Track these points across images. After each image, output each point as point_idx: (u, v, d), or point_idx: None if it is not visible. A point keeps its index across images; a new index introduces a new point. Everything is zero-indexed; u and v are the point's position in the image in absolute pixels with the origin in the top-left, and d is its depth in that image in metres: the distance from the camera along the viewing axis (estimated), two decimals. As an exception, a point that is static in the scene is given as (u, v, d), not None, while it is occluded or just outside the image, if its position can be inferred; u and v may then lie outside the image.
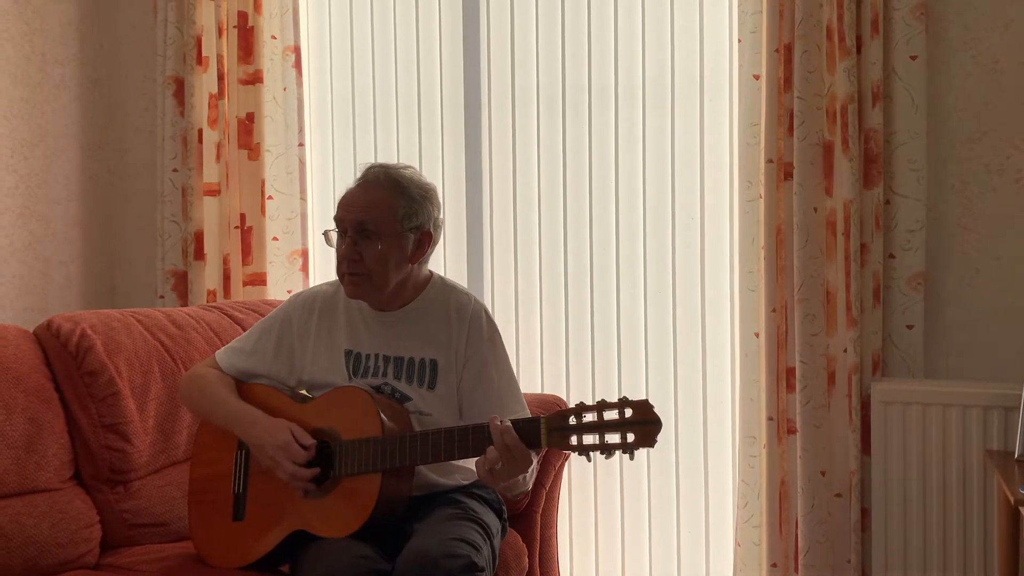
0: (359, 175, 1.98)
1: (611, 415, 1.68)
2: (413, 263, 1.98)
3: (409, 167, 2.00)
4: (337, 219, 1.95)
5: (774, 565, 2.52)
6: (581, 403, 1.72)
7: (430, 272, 2.06)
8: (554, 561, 2.49)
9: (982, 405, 2.32)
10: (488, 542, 1.88)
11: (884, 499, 2.39)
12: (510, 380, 2.02)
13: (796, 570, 2.51)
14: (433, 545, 1.74)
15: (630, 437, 1.67)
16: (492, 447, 1.71)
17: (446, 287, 2.04)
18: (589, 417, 1.69)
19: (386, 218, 1.91)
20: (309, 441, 1.85)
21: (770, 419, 2.51)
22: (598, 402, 1.70)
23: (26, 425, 2.03)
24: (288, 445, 1.84)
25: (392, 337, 1.99)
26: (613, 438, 1.68)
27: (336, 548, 1.77)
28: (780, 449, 2.52)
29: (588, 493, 2.82)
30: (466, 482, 2.02)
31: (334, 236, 1.96)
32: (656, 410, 1.68)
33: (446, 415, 1.95)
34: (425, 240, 1.98)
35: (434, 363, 1.97)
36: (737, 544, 2.59)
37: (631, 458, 1.68)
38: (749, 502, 2.56)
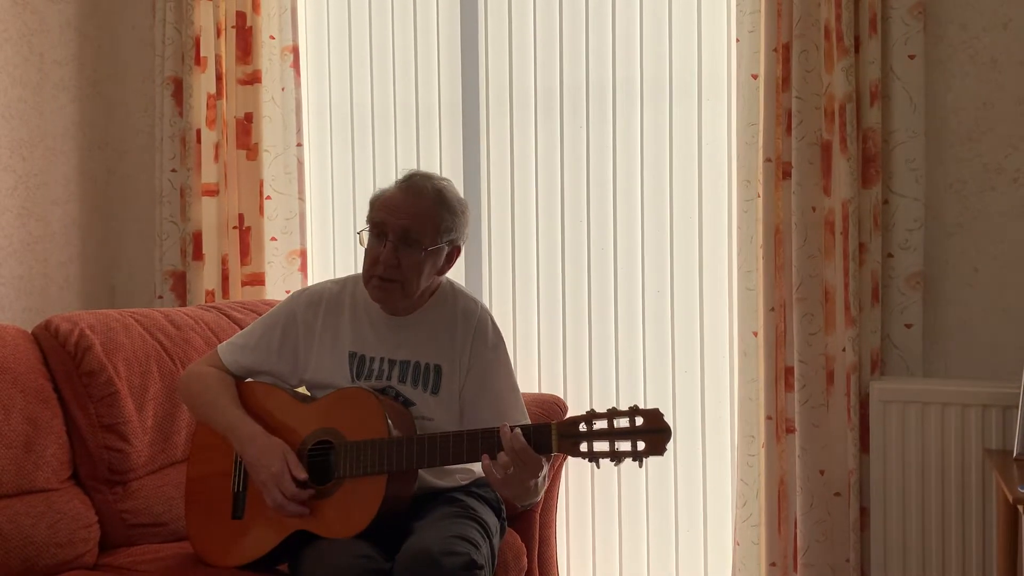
0: (401, 180, 1.96)
1: (622, 423, 1.70)
2: (441, 275, 1.99)
3: (447, 179, 2.01)
4: (377, 222, 1.93)
5: (773, 564, 2.52)
6: (592, 410, 1.73)
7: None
8: (553, 561, 2.49)
9: (980, 404, 2.32)
10: (487, 540, 1.88)
11: (883, 498, 2.39)
12: (512, 389, 2.02)
13: (795, 569, 2.51)
14: (434, 543, 1.74)
15: (640, 445, 1.68)
16: (503, 452, 1.72)
17: (454, 292, 2.04)
18: (600, 424, 1.71)
19: (431, 230, 1.91)
20: (302, 475, 1.83)
21: (769, 418, 2.51)
22: (609, 410, 1.72)
23: (24, 425, 2.03)
24: (281, 476, 1.82)
25: (398, 341, 1.98)
26: (623, 446, 1.69)
27: (337, 548, 1.77)
28: (779, 448, 2.52)
29: (586, 493, 2.82)
30: (465, 482, 2.02)
31: (366, 236, 1.95)
32: (666, 418, 1.69)
33: (448, 420, 1.95)
34: (455, 254, 2.00)
35: (438, 368, 1.97)
36: (736, 543, 2.59)
37: (640, 466, 1.70)
38: (748, 501, 2.57)
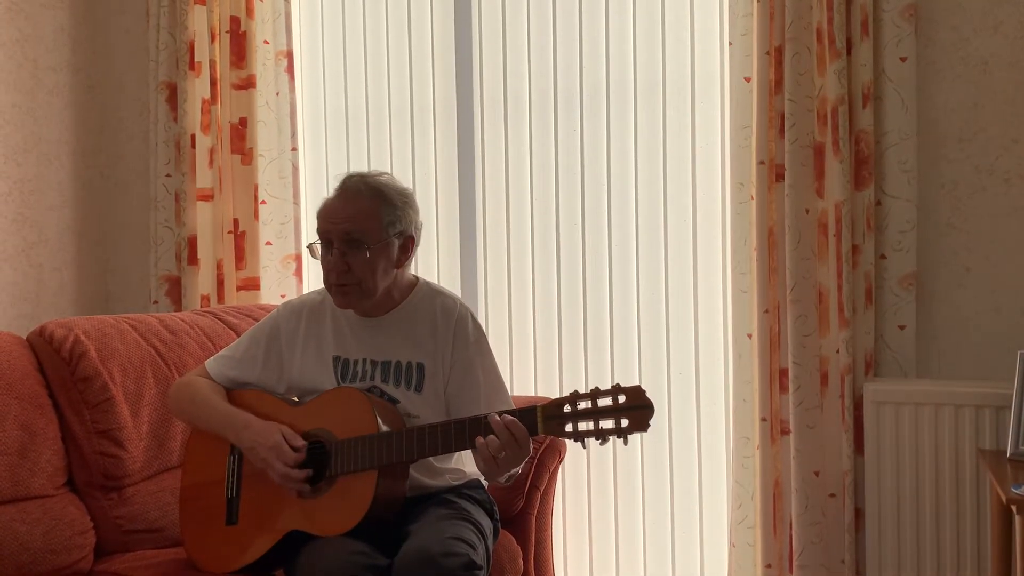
0: (336, 186, 1.99)
1: (605, 402, 1.71)
2: (398, 268, 2.00)
3: (384, 173, 2.02)
4: (321, 231, 1.95)
5: (768, 566, 2.53)
6: (575, 391, 1.75)
7: (415, 277, 2.08)
8: (549, 563, 2.49)
9: (974, 404, 2.32)
10: (483, 542, 1.90)
11: (878, 499, 2.40)
12: (496, 380, 2.04)
13: (791, 570, 2.51)
14: (433, 544, 1.76)
15: (624, 422, 1.70)
16: (494, 436, 1.74)
17: (432, 291, 2.06)
18: (584, 404, 1.72)
19: (372, 226, 1.92)
20: (299, 443, 1.87)
21: (763, 420, 2.52)
22: (592, 389, 1.74)
23: (19, 432, 2.03)
24: (279, 446, 1.86)
25: (379, 342, 2.00)
26: (607, 424, 1.71)
27: (332, 545, 1.78)
28: (774, 450, 2.53)
29: (582, 494, 2.82)
30: (456, 482, 2.03)
31: (318, 248, 1.97)
32: (648, 395, 1.70)
33: (433, 417, 1.96)
34: (409, 244, 2.00)
35: (420, 366, 1.99)
36: (732, 545, 2.59)
37: (625, 443, 1.71)
38: (743, 503, 2.57)
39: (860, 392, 2.44)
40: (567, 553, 2.84)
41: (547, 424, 1.74)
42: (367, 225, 1.92)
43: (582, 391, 1.74)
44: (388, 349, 1.99)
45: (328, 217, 1.95)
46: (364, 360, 2.00)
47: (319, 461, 1.88)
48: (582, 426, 1.72)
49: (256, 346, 2.06)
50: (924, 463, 2.37)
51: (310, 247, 1.98)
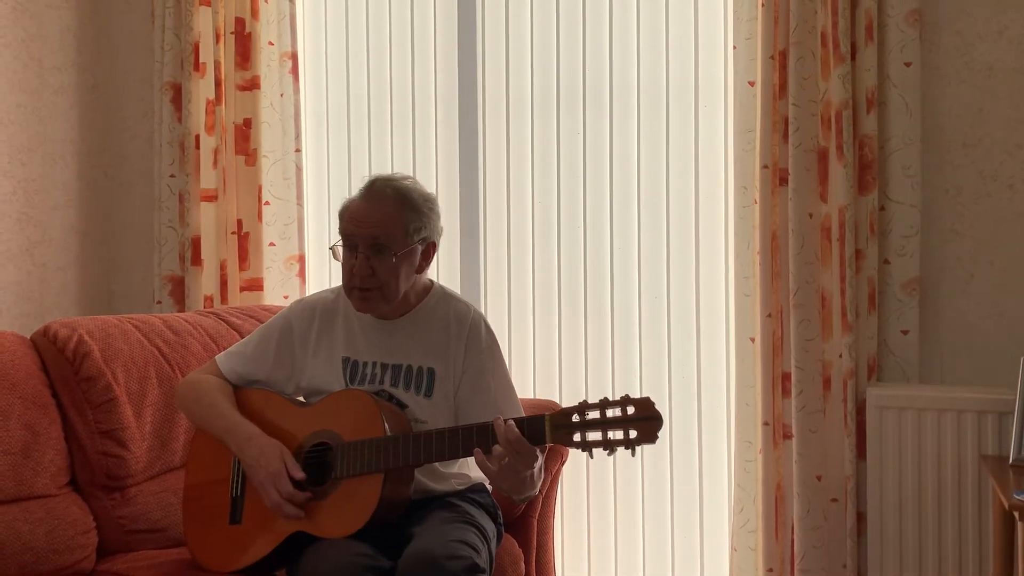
0: (362, 188, 1.98)
1: (614, 412, 1.72)
2: (420, 273, 2.00)
3: (409, 177, 2.01)
4: (346, 234, 1.94)
5: (770, 570, 2.53)
6: (584, 401, 1.75)
7: (430, 281, 2.08)
8: (551, 566, 2.49)
9: (977, 410, 2.33)
10: (486, 545, 1.90)
11: (880, 504, 2.40)
12: (507, 388, 2.03)
13: (792, 575, 2.51)
14: (437, 547, 1.76)
15: (632, 434, 1.70)
16: (497, 445, 1.74)
17: (446, 296, 2.06)
18: (592, 414, 1.73)
19: (399, 233, 1.92)
20: (299, 475, 1.85)
21: (766, 424, 2.52)
22: (601, 400, 1.74)
23: (22, 431, 2.03)
24: (278, 476, 1.84)
25: (391, 345, 2.00)
26: (616, 434, 1.71)
27: (335, 547, 1.78)
28: (776, 454, 2.53)
29: (583, 498, 2.83)
30: (461, 487, 2.03)
31: (340, 250, 1.96)
32: (657, 407, 1.71)
33: (441, 423, 1.96)
34: (431, 250, 2.00)
35: (431, 371, 1.98)
36: (733, 549, 2.59)
37: (633, 454, 1.71)
38: (745, 507, 2.57)
39: (863, 397, 2.44)
40: (568, 556, 2.84)
41: (555, 433, 1.74)
42: (394, 231, 1.92)
43: (591, 401, 1.74)
44: (400, 352, 1.99)
45: (354, 220, 1.94)
46: (374, 363, 1.99)
47: (325, 463, 1.88)
48: (590, 436, 1.72)
49: (268, 343, 2.06)
50: (926, 468, 2.36)
51: (333, 249, 1.97)
